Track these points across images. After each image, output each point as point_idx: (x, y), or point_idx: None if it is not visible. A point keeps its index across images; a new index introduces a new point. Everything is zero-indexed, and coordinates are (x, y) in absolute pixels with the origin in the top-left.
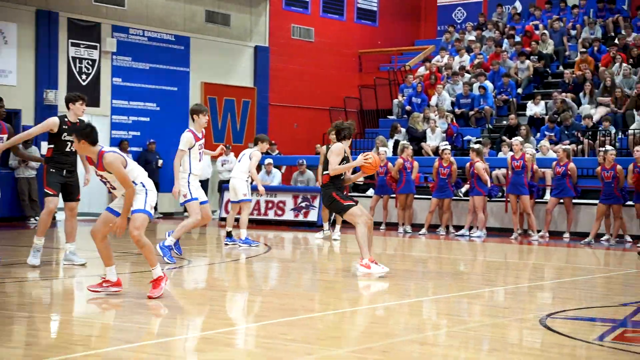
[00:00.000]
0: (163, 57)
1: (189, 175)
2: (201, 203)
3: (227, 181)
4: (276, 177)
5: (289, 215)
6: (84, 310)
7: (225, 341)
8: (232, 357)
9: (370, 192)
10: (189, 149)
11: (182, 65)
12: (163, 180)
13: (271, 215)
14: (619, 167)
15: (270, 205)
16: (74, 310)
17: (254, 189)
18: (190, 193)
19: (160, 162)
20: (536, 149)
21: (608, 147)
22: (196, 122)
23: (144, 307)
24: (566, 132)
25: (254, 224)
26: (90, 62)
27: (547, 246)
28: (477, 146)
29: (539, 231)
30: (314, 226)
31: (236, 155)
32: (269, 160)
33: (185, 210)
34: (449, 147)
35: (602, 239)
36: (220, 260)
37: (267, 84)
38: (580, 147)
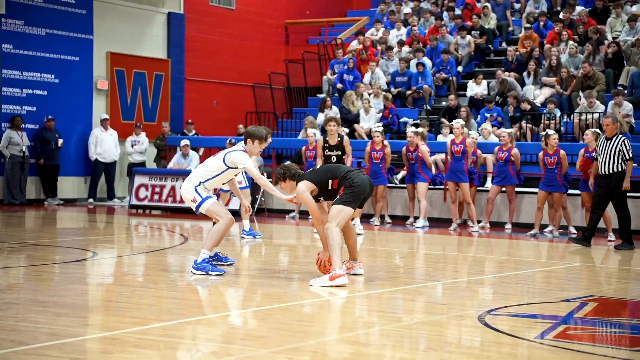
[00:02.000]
0: (62, 22)
1: (199, 184)
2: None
3: (137, 164)
4: (194, 160)
5: None
6: None
7: (134, 342)
8: (145, 358)
9: None
10: (232, 168)
11: (84, 32)
12: (64, 161)
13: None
14: (562, 152)
15: None
16: None
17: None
18: (200, 195)
19: (60, 141)
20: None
21: (550, 131)
22: (250, 147)
23: (40, 305)
24: (510, 114)
25: (169, 212)
26: None
27: (488, 238)
28: (421, 129)
29: (479, 222)
30: (237, 215)
31: (149, 136)
32: (185, 142)
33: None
34: (380, 128)
35: (545, 230)
36: (130, 252)
37: (183, 55)
38: (522, 131)
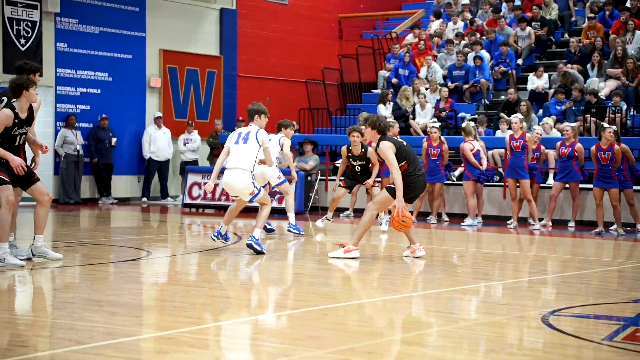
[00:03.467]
0: (115, 20)
1: (253, 176)
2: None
3: (190, 162)
4: None
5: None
6: (27, 308)
7: (189, 342)
8: (200, 358)
9: None
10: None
11: (137, 29)
12: (117, 161)
13: None
14: (616, 147)
15: None
16: (15, 308)
17: (287, 172)
18: (256, 187)
19: (114, 140)
20: None
21: (606, 124)
22: (257, 122)
23: (96, 304)
24: (573, 108)
25: (223, 210)
26: (29, 24)
27: (550, 236)
28: (464, 124)
29: (540, 219)
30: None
31: (202, 134)
32: None
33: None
34: (437, 124)
35: (611, 228)
36: (183, 251)
37: (235, 52)
38: (586, 125)
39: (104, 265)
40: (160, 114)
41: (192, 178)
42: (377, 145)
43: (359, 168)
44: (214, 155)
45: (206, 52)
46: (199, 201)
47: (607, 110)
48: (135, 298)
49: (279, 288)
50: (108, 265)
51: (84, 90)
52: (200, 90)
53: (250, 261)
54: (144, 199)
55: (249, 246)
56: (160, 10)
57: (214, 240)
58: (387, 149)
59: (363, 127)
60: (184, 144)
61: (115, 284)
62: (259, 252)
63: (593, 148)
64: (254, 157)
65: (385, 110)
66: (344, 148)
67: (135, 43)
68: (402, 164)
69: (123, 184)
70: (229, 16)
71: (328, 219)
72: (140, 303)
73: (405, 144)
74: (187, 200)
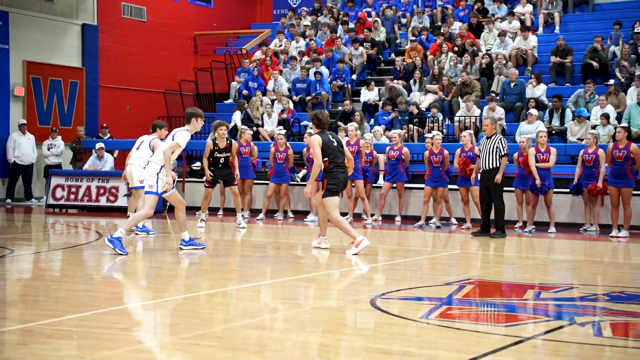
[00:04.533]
0: None
1: (160, 169)
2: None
3: (54, 166)
4: (108, 162)
5: (122, 202)
6: None
7: (49, 333)
8: (59, 348)
9: None
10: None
11: (0, 41)
12: None
13: (103, 201)
14: (446, 151)
15: (102, 191)
16: None
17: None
18: (158, 187)
19: None
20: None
21: (435, 132)
22: (192, 126)
23: None
24: (399, 117)
25: (85, 210)
26: None
27: (380, 229)
28: (307, 131)
29: (372, 215)
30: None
31: (65, 140)
32: (100, 145)
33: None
34: (283, 131)
35: (430, 221)
36: (47, 249)
37: (97, 64)
38: (409, 133)
39: None
40: (24, 121)
41: (55, 180)
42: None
43: (223, 160)
44: (76, 160)
45: (69, 64)
46: (62, 202)
47: (427, 120)
48: None
49: (140, 281)
50: None
51: None
52: (63, 99)
53: (111, 258)
54: (9, 200)
55: (110, 242)
56: (23, 24)
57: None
58: (314, 142)
59: (310, 122)
60: (48, 149)
61: None
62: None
63: (426, 153)
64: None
65: (238, 118)
66: (209, 141)
67: None
68: (325, 160)
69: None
70: (91, 31)
71: (203, 220)
72: (2, 299)
73: (334, 143)
74: (51, 201)
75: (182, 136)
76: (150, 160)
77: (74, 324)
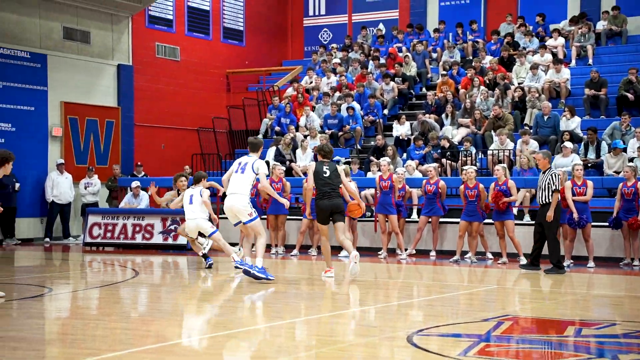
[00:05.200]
0: (17, 75)
1: (249, 199)
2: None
3: (91, 204)
4: (144, 200)
5: (157, 239)
6: None
7: None
8: None
9: None
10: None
11: (39, 83)
12: (20, 204)
13: (139, 239)
14: (481, 185)
15: (138, 228)
16: None
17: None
18: (255, 211)
19: (17, 185)
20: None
21: (468, 166)
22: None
23: None
24: (432, 151)
25: (121, 248)
26: None
27: (415, 265)
28: (344, 166)
29: (406, 249)
30: (184, 249)
31: (101, 178)
32: (136, 183)
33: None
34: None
35: (466, 256)
36: (84, 287)
37: (132, 103)
38: (442, 167)
39: (7, 303)
40: (62, 161)
41: (92, 219)
42: None
43: None
44: (112, 198)
45: (105, 103)
46: (99, 240)
47: (460, 154)
48: (37, 332)
49: (174, 317)
50: (11, 303)
51: None
52: (99, 139)
53: (148, 293)
54: (47, 239)
55: (252, 276)
56: (61, 66)
57: (237, 268)
58: (309, 169)
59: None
60: (85, 188)
61: (17, 320)
62: (263, 279)
63: (462, 187)
64: (250, 184)
65: (272, 154)
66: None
67: (38, 96)
68: (315, 189)
69: (26, 226)
70: (126, 71)
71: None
72: (41, 337)
73: (326, 174)
74: (88, 239)
75: (263, 167)
76: (240, 194)
77: None
